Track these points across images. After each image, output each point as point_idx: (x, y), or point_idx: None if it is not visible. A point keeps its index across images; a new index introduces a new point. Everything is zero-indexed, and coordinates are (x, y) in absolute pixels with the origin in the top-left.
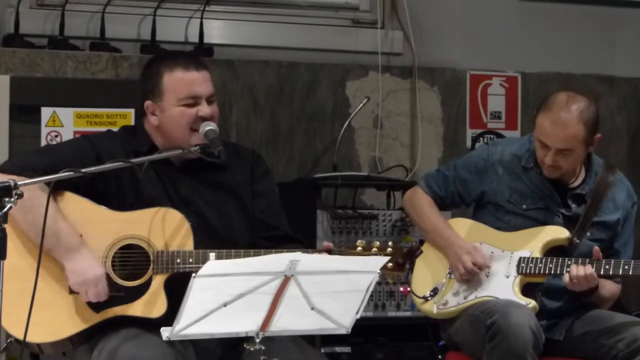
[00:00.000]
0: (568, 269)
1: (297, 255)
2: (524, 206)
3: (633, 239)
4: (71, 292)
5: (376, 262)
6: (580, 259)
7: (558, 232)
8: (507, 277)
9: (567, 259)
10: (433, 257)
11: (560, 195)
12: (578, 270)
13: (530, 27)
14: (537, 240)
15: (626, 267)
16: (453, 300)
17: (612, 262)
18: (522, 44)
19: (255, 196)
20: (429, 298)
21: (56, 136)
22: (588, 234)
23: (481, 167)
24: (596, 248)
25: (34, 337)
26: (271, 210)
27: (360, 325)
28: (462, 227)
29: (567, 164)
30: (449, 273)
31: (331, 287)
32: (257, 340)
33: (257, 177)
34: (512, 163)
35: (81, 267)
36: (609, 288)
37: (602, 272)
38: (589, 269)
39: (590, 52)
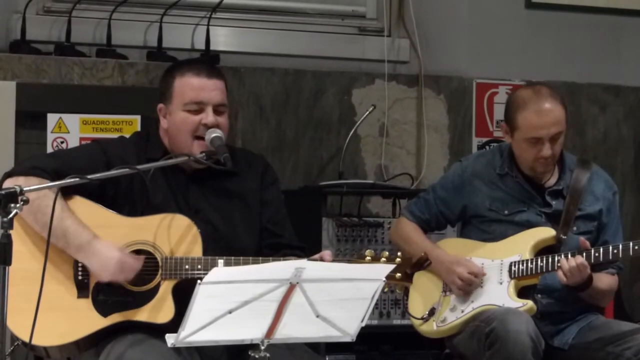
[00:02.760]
0: (559, 264)
1: (303, 263)
2: (506, 212)
3: (621, 229)
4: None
5: (381, 270)
6: (569, 252)
7: (544, 232)
8: (501, 283)
9: (556, 254)
10: (425, 279)
11: (538, 195)
12: (569, 262)
13: (537, 35)
14: (524, 243)
15: (615, 251)
16: (451, 316)
17: (601, 249)
18: (529, 52)
19: (263, 204)
20: (427, 319)
21: (62, 142)
22: (574, 228)
23: (458, 183)
24: (582, 239)
25: (40, 341)
26: (277, 218)
27: (365, 333)
28: (449, 246)
29: (558, 150)
30: (443, 291)
31: (336, 294)
32: (262, 348)
33: (265, 185)
34: (487, 173)
35: (99, 263)
36: (605, 280)
37: (592, 261)
38: (579, 259)
39: (597, 62)
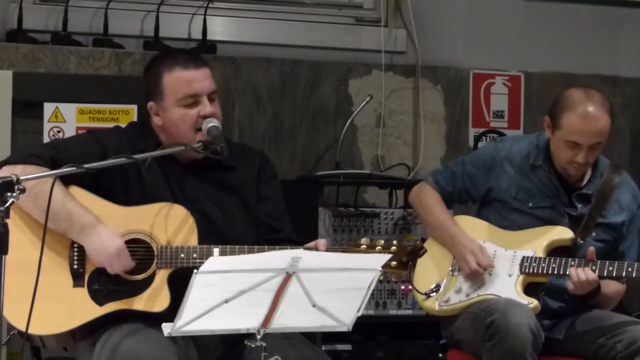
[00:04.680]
0: (568, 273)
1: (299, 252)
2: (530, 204)
3: (637, 241)
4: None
5: (378, 260)
6: (584, 260)
7: (562, 233)
8: (510, 276)
9: (570, 259)
10: (437, 253)
11: (566, 194)
12: (579, 276)
13: (534, 26)
14: (540, 240)
15: (629, 269)
16: (455, 298)
17: (616, 264)
18: (526, 43)
19: (261, 199)
20: (431, 295)
21: (58, 132)
22: (593, 234)
23: (489, 163)
24: (591, 249)
25: (36, 330)
26: (276, 213)
27: (361, 323)
28: (467, 224)
29: (594, 158)
30: (452, 270)
31: (333, 284)
32: (258, 337)
33: (264, 179)
34: (520, 160)
35: (100, 243)
36: (613, 287)
37: (605, 274)
38: (591, 275)
39: (594, 52)
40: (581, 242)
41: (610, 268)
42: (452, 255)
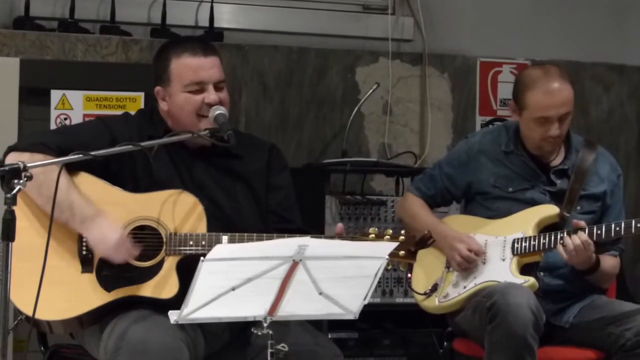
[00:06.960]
0: (562, 242)
1: (306, 240)
2: (510, 189)
3: (624, 212)
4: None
5: (384, 248)
6: (572, 230)
7: (548, 210)
8: (503, 260)
9: (559, 232)
10: (429, 255)
11: (543, 174)
12: (573, 240)
13: (541, 14)
14: (528, 221)
15: (617, 228)
16: (453, 292)
17: (604, 226)
18: (533, 31)
19: (272, 189)
20: (430, 294)
21: (65, 119)
22: (578, 207)
23: (464, 159)
24: (575, 221)
25: (44, 315)
26: (287, 203)
27: (368, 311)
28: (454, 222)
29: (565, 129)
30: (447, 267)
31: (339, 272)
32: (265, 325)
33: (274, 170)
34: (493, 150)
35: (100, 235)
36: (609, 262)
37: (595, 239)
38: (583, 236)
39: (601, 40)
40: (567, 215)
41: (599, 232)
42: (444, 253)
